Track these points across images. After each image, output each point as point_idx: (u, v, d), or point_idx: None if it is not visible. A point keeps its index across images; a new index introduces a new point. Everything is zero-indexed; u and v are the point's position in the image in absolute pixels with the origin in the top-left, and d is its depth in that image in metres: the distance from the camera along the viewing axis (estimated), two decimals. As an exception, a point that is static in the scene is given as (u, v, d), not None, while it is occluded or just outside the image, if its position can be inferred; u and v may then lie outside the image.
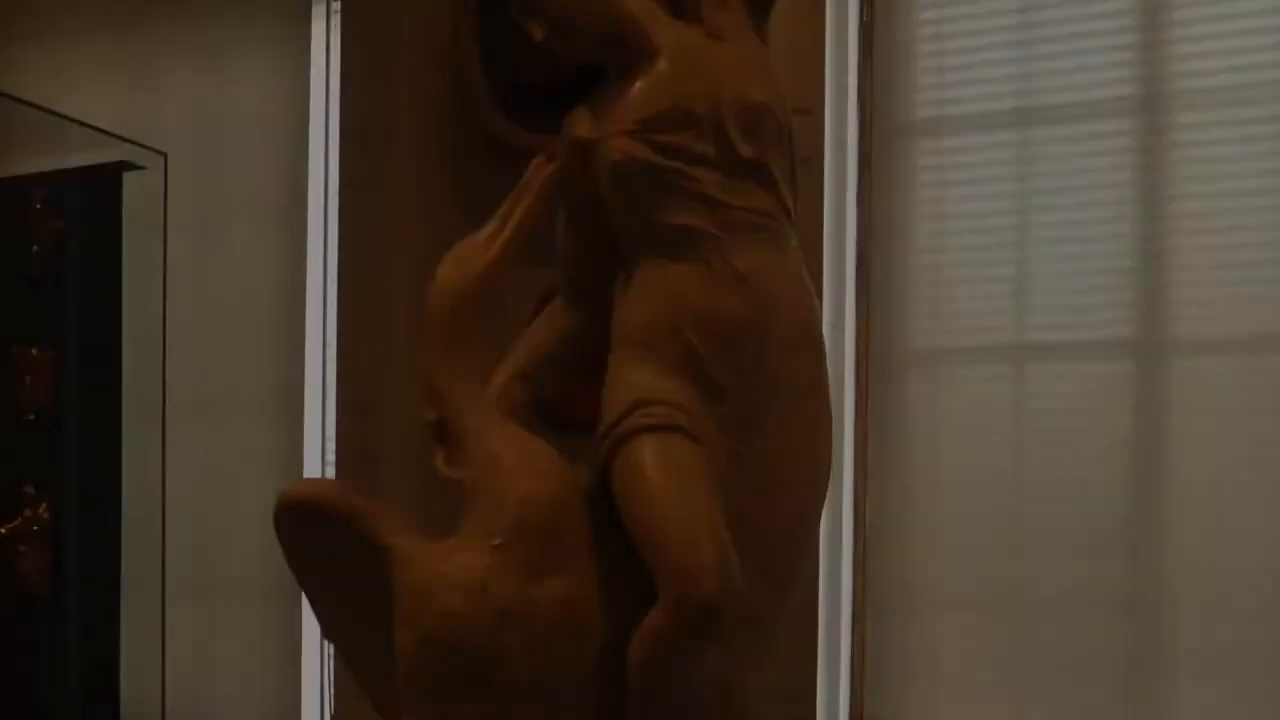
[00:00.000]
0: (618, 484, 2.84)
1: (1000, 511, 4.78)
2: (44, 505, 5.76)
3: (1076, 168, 4.79)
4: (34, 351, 5.75)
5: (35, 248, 5.81)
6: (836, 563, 4.82)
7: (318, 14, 6.08)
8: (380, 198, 5.24)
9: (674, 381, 2.88)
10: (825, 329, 3.14)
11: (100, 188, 6.01)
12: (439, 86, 4.73)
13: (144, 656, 5.95)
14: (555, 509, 2.80)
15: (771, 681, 3.23)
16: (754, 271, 2.91)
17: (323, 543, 2.96)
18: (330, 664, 5.60)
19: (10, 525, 5.66)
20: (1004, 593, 4.72)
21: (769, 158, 2.97)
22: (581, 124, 3.10)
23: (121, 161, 5.98)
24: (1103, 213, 4.76)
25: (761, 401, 2.92)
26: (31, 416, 5.79)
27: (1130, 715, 4.56)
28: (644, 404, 2.85)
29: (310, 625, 5.65)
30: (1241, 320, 4.58)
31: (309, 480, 3.04)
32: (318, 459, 5.97)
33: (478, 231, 3.06)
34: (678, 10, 3.04)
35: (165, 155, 6.01)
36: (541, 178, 3.06)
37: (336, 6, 5.85)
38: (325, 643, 5.41)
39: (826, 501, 3.11)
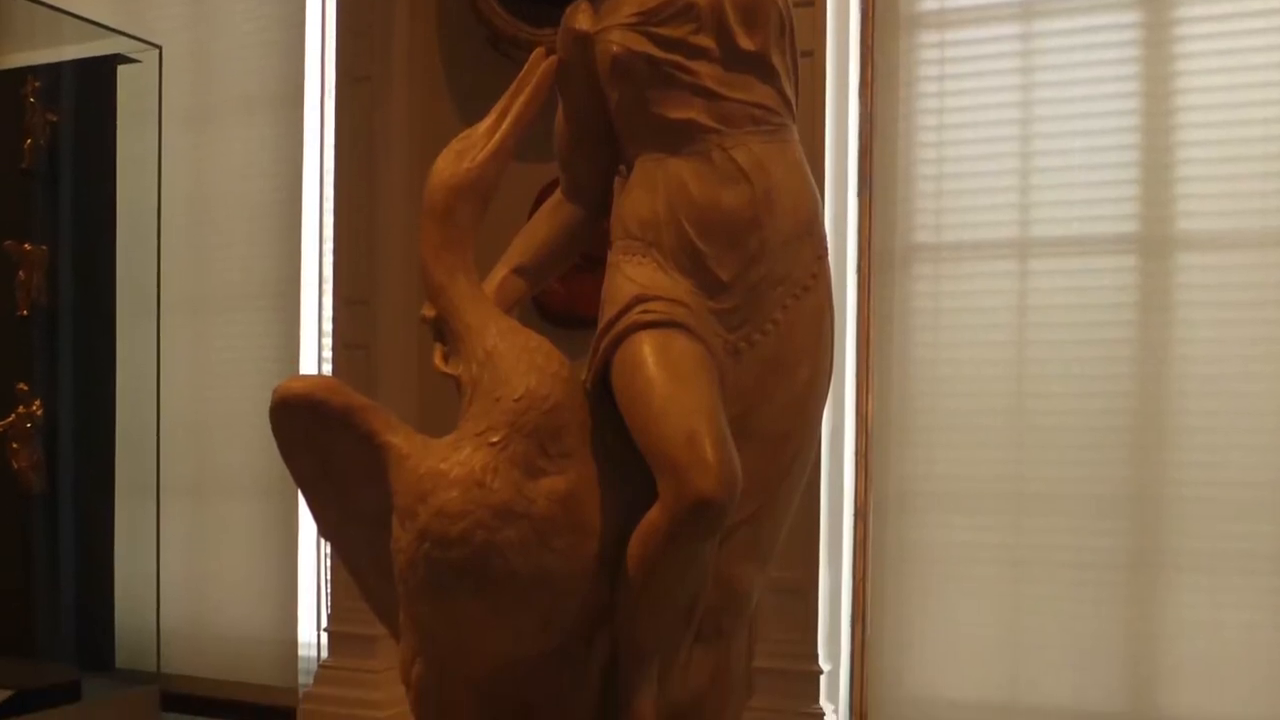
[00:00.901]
0: (617, 380, 2.85)
1: (1002, 407, 4.78)
2: (37, 403, 5.77)
3: (1081, 61, 4.74)
4: (27, 247, 5.75)
5: (29, 141, 5.80)
6: (838, 459, 4.82)
7: (315, -94, 6.08)
8: (377, 92, 5.21)
9: (674, 276, 2.89)
10: (827, 223, 3.14)
11: (94, 81, 5.98)
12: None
13: (139, 553, 5.96)
14: (554, 406, 2.79)
15: (773, 578, 3.24)
16: (754, 166, 2.91)
17: (319, 439, 2.99)
18: (327, 561, 5.65)
19: (3, 423, 5.68)
20: (1006, 489, 4.72)
21: (770, 50, 2.96)
22: (580, 16, 3.08)
23: (116, 55, 5.95)
24: (1107, 106, 4.71)
25: (762, 296, 2.93)
26: (24, 313, 5.78)
27: (1132, 610, 4.57)
28: (644, 299, 2.86)
29: (307, 522, 5.73)
30: (1247, 215, 4.55)
31: (305, 377, 3.00)
32: (314, 354, 5.94)
33: (475, 125, 3.04)
34: None
35: (160, 49, 5.97)
36: (540, 71, 3.05)
37: (335, -100, 5.76)
38: (322, 540, 5.44)
39: (828, 397, 3.11)
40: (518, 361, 2.82)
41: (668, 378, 2.77)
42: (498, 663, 2.89)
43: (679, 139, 2.92)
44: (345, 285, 5.40)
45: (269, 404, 3.00)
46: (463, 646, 2.86)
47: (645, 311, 2.85)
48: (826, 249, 3.08)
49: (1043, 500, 4.73)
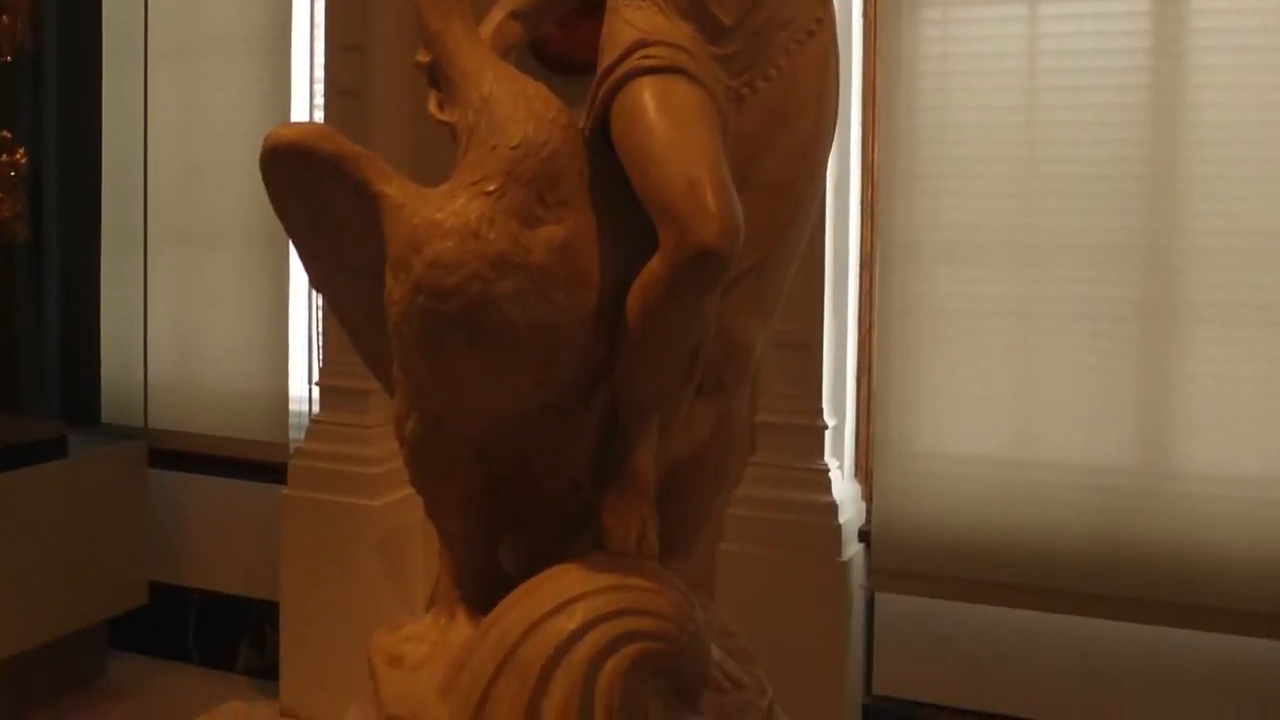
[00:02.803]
0: (617, 127, 2.79)
1: (1012, 155, 4.71)
2: (21, 151, 5.72)
3: None
4: (10, -9, 5.64)
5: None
6: (844, 209, 4.77)
7: None
8: None
9: (675, 20, 2.82)
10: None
11: None
12: None
13: (126, 305, 5.96)
14: (552, 154, 2.74)
15: (776, 332, 3.21)
16: None
17: (310, 189, 2.94)
18: (319, 314, 5.70)
19: (-14, 172, 5.62)
20: (1016, 239, 4.67)
21: None
22: None
23: None
24: None
25: (765, 41, 2.86)
26: (9, 59, 5.71)
27: (1146, 363, 4.56)
28: (645, 44, 2.78)
29: (299, 273, 5.68)
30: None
31: (296, 124, 2.95)
32: (305, 100, 5.88)
33: None
34: None
35: None
36: None
37: None
38: (314, 292, 5.43)
39: (832, 145, 3.05)
40: (514, 108, 2.76)
41: (669, 124, 2.70)
42: (493, 417, 2.88)
43: None
44: (338, 30, 5.33)
45: (260, 151, 2.94)
46: (458, 401, 2.84)
47: (646, 57, 2.77)
48: None
49: (1054, 251, 4.68)
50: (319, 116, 5.67)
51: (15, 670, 5.35)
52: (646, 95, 2.74)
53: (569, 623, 2.71)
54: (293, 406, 6.03)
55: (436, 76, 2.92)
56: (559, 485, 2.99)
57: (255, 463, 5.95)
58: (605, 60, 2.84)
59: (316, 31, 5.77)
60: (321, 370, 5.49)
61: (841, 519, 4.75)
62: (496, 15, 3.10)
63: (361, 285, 2.97)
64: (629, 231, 2.77)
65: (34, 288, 6.01)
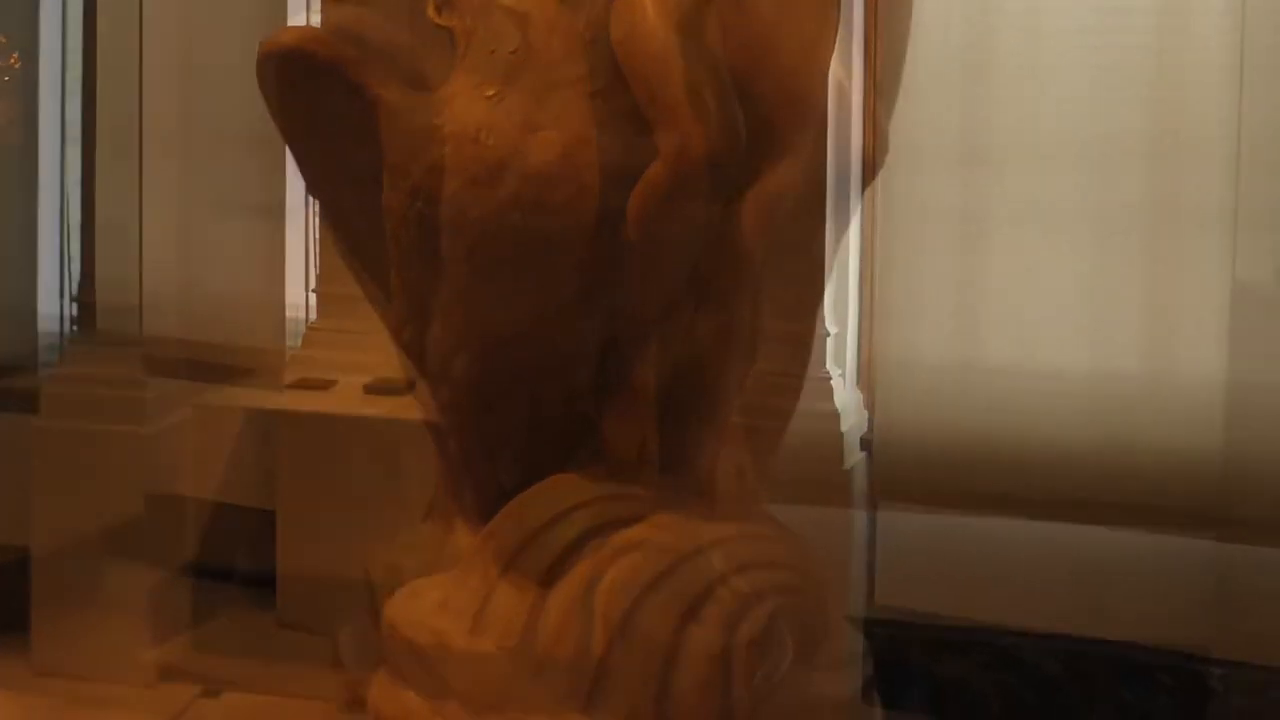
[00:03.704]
0: (616, 30, 2.69)
1: (1013, 60, 4.67)
2: (15, 55, 5.63)
3: None
4: None
5: None
6: (845, 119, 4.73)
7: None
8: None
9: None
10: None
11: None
12: None
13: (121, 211, 5.88)
14: (553, 57, 2.69)
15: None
16: None
17: (308, 94, 2.88)
18: (315, 220, 5.53)
19: (-21, 76, 5.54)
20: (1023, 141, 4.66)
21: None
22: None
23: None
24: None
25: None
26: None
27: (1151, 269, 4.58)
28: None
29: (295, 179, 5.56)
30: None
31: (294, 28, 2.94)
32: (302, 1, 5.71)
33: None
34: None
35: None
36: None
37: None
38: (311, 198, 5.35)
39: (834, 48, 2.98)
40: (514, 10, 2.72)
41: (669, 26, 2.63)
42: (490, 330, 2.83)
43: None
44: None
45: (256, 55, 2.90)
46: (453, 312, 2.81)
47: None
48: None
49: (1059, 157, 4.62)
50: (315, 20, 5.19)
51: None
52: None
53: (690, 586, 2.66)
54: (290, 314, 5.74)
55: None
56: (556, 397, 2.93)
57: (252, 370, 5.63)
58: None
59: None
60: (81, 284, 5.19)
61: (843, 427, 4.73)
62: None
63: (360, 192, 2.91)
64: (628, 138, 2.70)
65: (27, 192, 5.81)
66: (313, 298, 5.39)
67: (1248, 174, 4.42)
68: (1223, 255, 4.46)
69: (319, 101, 2.88)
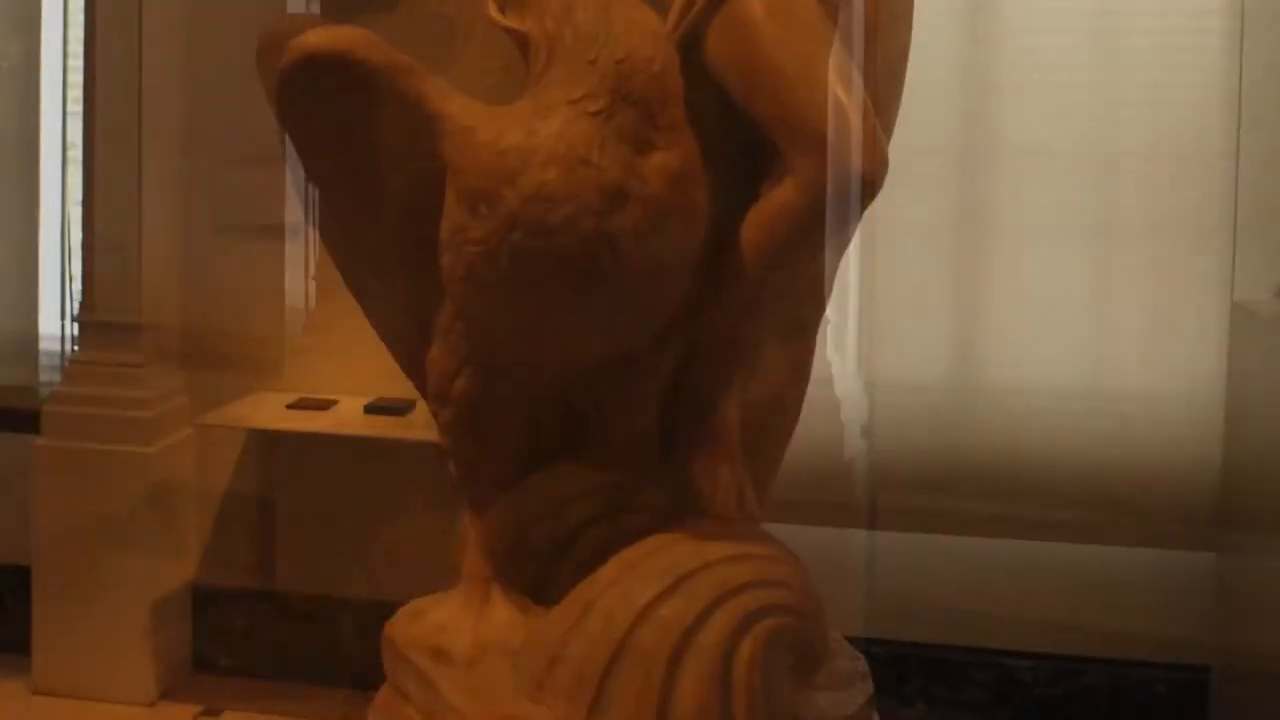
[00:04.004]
0: (725, 39, 2.54)
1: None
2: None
3: None
4: None
5: None
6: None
7: None
8: None
9: None
10: None
11: None
12: None
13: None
14: (662, 69, 2.49)
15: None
16: None
17: (345, 105, 2.60)
18: (75, 239, 5.17)
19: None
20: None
21: None
22: None
23: None
24: None
25: None
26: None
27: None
28: None
29: (51, 192, 5.40)
30: None
31: (331, 29, 2.58)
32: None
33: None
34: None
35: None
36: None
37: None
38: (67, 216, 5.26)
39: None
40: (608, 17, 2.49)
41: (800, 38, 2.49)
42: (573, 368, 2.65)
43: None
44: None
45: (284, 61, 2.57)
46: (534, 352, 2.59)
47: None
48: None
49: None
50: (76, 20, 5.05)
51: None
52: (763, 6, 2.51)
53: (692, 604, 2.50)
54: (44, 345, 5.44)
55: None
56: (614, 443, 2.76)
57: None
58: None
59: None
60: (82, 304, 4.93)
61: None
62: None
63: (390, 220, 2.68)
64: (726, 158, 2.57)
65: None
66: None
67: (1246, 190, 4.43)
68: (1221, 271, 4.47)
69: (359, 114, 2.61)
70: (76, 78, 5.10)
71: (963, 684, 4.69)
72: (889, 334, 4.73)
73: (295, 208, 2.61)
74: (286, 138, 2.71)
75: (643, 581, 2.54)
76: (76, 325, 4.99)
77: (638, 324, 2.58)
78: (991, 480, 4.65)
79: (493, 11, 2.64)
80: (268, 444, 4.88)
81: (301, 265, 4.82)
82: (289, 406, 4.72)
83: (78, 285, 5.05)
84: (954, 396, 4.72)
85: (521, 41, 2.60)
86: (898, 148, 2.48)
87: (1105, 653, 4.57)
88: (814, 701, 2.67)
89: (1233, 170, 4.48)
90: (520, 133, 2.44)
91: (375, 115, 2.59)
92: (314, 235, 2.67)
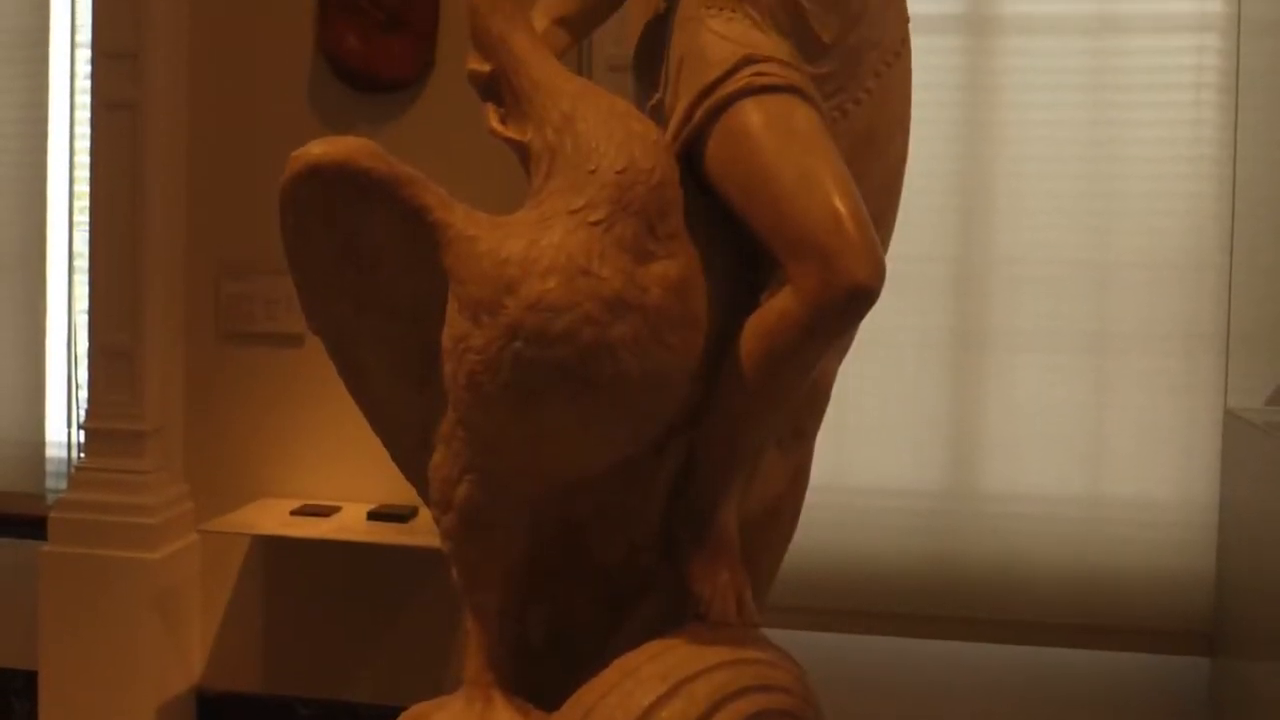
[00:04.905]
0: (724, 152, 2.53)
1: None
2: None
3: None
4: None
5: None
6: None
7: None
8: None
9: (773, 36, 2.59)
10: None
11: None
12: None
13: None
14: (661, 180, 2.44)
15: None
16: None
17: (347, 216, 2.59)
18: (81, 347, 5.24)
19: None
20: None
21: None
22: None
23: None
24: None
25: (857, 61, 2.65)
26: None
27: (959, 390, 4.75)
28: (755, 60, 2.53)
29: (56, 301, 5.45)
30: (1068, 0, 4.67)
31: (333, 140, 2.55)
32: (65, 114, 5.45)
33: None
34: None
35: None
36: None
37: None
38: (74, 324, 5.30)
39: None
40: (609, 128, 2.45)
41: (799, 149, 2.46)
42: (573, 475, 2.58)
43: None
44: (105, 35, 4.91)
45: (286, 173, 2.55)
46: (534, 460, 2.52)
47: (759, 74, 2.51)
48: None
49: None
50: (82, 132, 5.20)
51: None
52: (762, 117, 2.50)
53: (691, 708, 2.45)
54: (50, 453, 5.47)
55: (495, 88, 2.60)
56: (615, 550, 2.73)
57: (7, 516, 5.41)
58: (701, 76, 2.56)
59: (79, 36, 5.34)
60: (88, 412, 4.97)
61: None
62: (540, 22, 2.77)
63: (392, 328, 2.67)
64: (720, 265, 2.54)
65: None
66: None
67: (1239, 299, 4.44)
68: (1214, 379, 4.49)
69: (361, 225, 2.61)
70: (83, 188, 5.14)
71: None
72: (885, 440, 4.70)
73: (298, 316, 2.57)
74: (290, 246, 2.68)
75: (642, 686, 2.48)
76: (82, 433, 5.00)
77: (638, 432, 2.51)
78: (987, 586, 4.61)
79: (494, 123, 2.62)
80: (272, 550, 4.88)
81: (304, 373, 4.84)
82: (293, 513, 4.72)
83: (83, 393, 5.08)
84: (950, 503, 4.70)
85: (523, 152, 2.57)
86: (894, 258, 2.48)
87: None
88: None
89: (1225, 279, 4.49)
90: (521, 243, 2.40)
91: (378, 224, 2.57)
92: (317, 343, 2.67)
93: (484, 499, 2.59)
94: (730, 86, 2.52)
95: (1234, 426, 4.45)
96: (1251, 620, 4.23)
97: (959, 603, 4.65)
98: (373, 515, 4.69)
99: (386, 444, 2.86)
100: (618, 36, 3.87)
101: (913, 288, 4.58)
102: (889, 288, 2.38)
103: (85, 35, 5.19)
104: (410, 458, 2.79)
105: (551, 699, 2.63)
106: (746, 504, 2.70)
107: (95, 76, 4.96)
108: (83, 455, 5.03)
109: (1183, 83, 4.59)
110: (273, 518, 4.70)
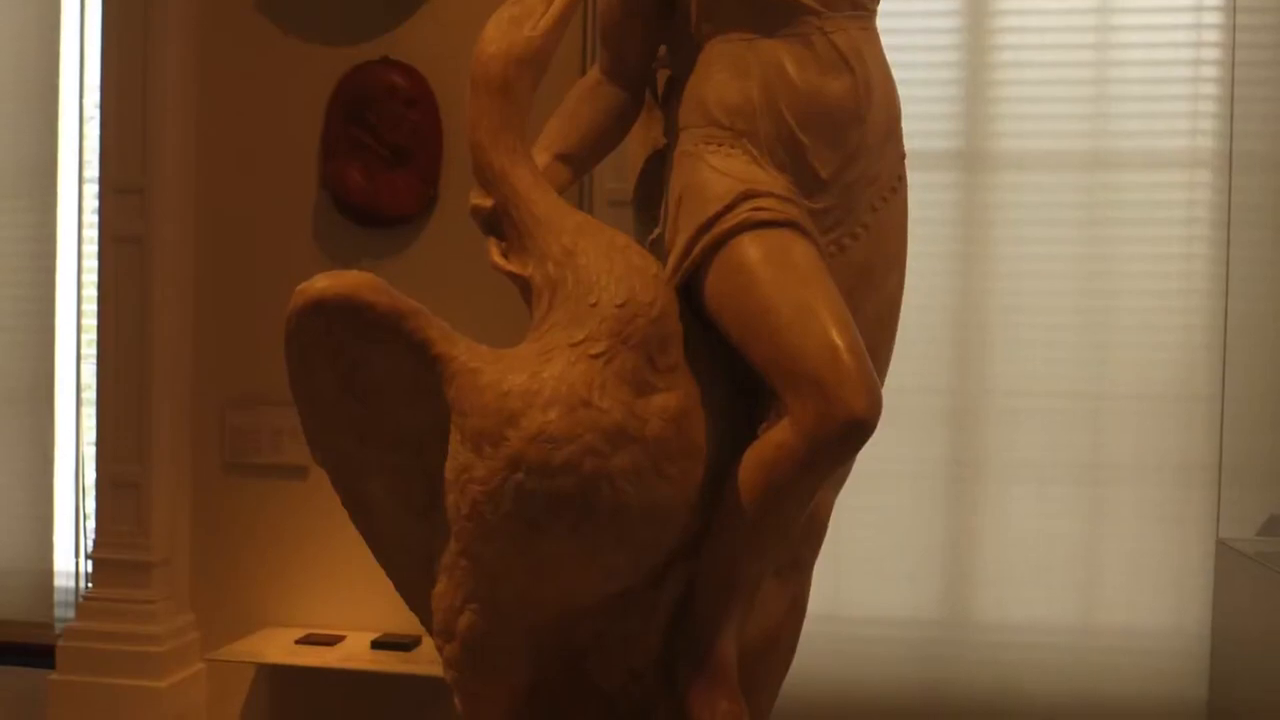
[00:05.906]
0: (723, 286, 2.53)
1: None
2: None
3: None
4: None
5: None
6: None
7: None
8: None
9: (770, 171, 2.59)
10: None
11: None
12: None
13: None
14: (661, 314, 2.45)
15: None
16: (855, 53, 2.62)
17: (350, 349, 2.58)
18: (89, 479, 5.27)
19: None
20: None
21: None
22: None
23: None
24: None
25: (854, 197, 2.65)
26: None
27: (954, 520, 4.76)
28: (753, 195, 2.54)
29: (65, 434, 5.46)
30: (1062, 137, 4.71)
31: (336, 274, 2.57)
32: (74, 249, 5.49)
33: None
34: None
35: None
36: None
37: None
38: (81, 456, 5.29)
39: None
40: (609, 262, 2.47)
41: (796, 283, 2.46)
42: (574, 604, 2.56)
43: (774, 18, 2.60)
44: (113, 171, 4.95)
45: (290, 308, 2.55)
46: (536, 590, 2.51)
47: (758, 209, 2.52)
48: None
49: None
50: (90, 265, 5.22)
51: None
52: (760, 251, 2.50)
53: None
54: (58, 582, 5.44)
55: (496, 222, 2.61)
56: (615, 677, 2.70)
57: (16, 645, 5.39)
58: (700, 211, 2.57)
59: (87, 171, 5.39)
60: (95, 542, 4.96)
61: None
62: (541, 158, 2.75)
63: (395, 459, 2.64)
64: (724, 398, 2.54)
65: None
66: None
67: (1231, 433, 4.45)
68: (1207, 510, 4.49)
69: (364, 358, 2.60)
70: (91, 321, 5.16)
71: None
72: (881, 570, 4.70)
73: (302, 447, 2.57)
74: (294, 378, 2.67)
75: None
76: (90, 562, 4.99)
77: (638, 562, 2.50)
78: (982, 714, 4.58)
79: (496, 257, 2.63)
80: (277, 678, 4.85)
81: (309, 503, 4.85)
82: (298, 641, 4.70)
83: (91, 523, 5.05)
84: (945, 631, 4.67)
85: (524, 286, 2.57)
86: (891, 389, 2.50)
87: None
88: None
89: (1217, 411, 4.50)
90: (523, 375, 2.40)
91: (381, 357, 2.56)
92: (321, 474, 2.67)
93: (487, 628, 2.57)
94: (729, 221, 2.53)
95: (1226, 556, 4.44)
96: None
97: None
98: (376, 644, 4.67)
99: (390, 573, 2.83)
100: (618, 171, 3.84)
101: (909, 419, 4.55)
102: (885, 419, 2.40)
103: (93, 170, 5.22)
104: (414, 587, 2.76)
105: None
106: (745, 633, 2.67)
107: (103, 211, 4.99)
108: (90, 585, 5.02)
109: (1175, 217, 4.63)
110: (278, 646, 4.68)
